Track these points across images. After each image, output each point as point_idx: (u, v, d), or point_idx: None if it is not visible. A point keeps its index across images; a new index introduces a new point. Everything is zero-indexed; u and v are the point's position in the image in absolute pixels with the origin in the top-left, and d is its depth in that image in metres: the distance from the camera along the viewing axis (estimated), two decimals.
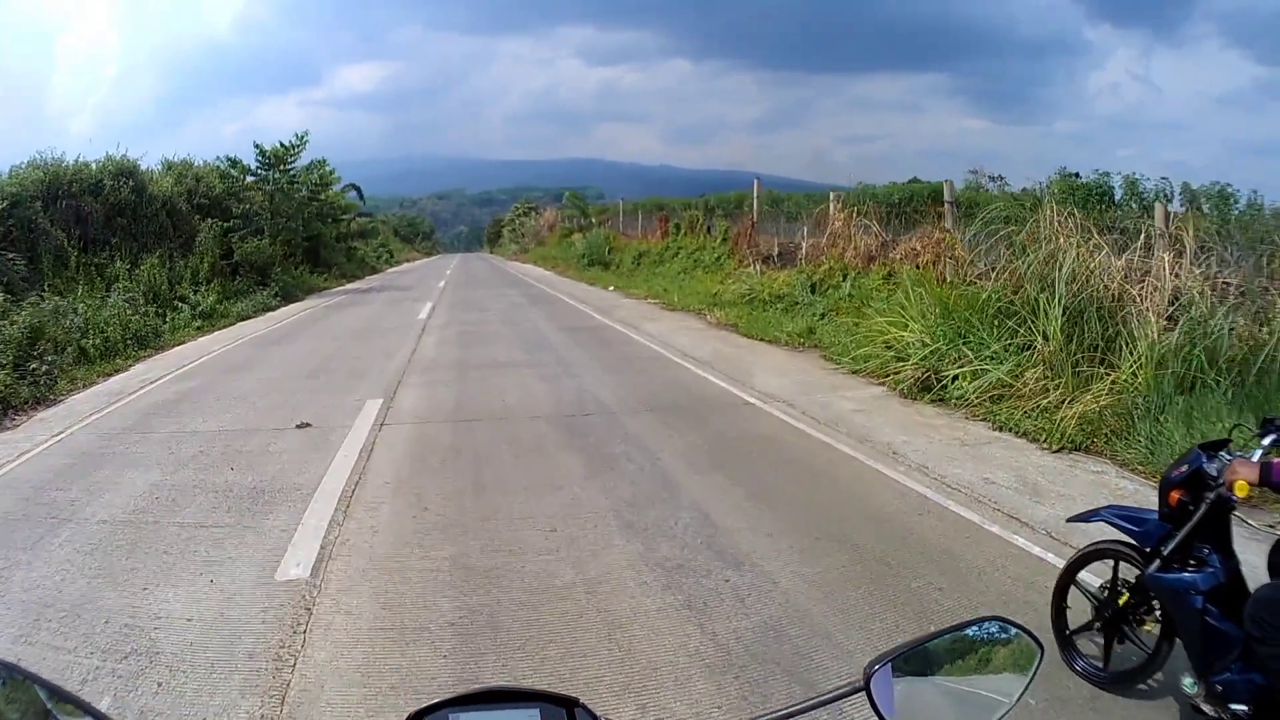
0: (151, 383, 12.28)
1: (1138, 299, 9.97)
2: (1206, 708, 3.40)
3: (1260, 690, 3.22)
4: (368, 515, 6.49)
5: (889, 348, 11.97)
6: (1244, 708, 3.24)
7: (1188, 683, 3.48)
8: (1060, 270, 10.32)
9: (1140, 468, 7.57)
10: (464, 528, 6.18)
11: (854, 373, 12.20)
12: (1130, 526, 3.93)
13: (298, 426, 9.18)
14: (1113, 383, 8.99)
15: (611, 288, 27.89)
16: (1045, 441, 8.60)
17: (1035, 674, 1.36)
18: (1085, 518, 4.29)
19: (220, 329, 19.03)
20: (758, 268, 20.36)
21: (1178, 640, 3.67)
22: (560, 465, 7.79)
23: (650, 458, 7.94)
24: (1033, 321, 10.42)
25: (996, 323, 11.00)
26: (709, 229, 27.09)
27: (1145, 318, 9.57)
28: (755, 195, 22.85)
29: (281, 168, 33.82)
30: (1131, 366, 9.05)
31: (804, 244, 19.52)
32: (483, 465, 7.81)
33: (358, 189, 47.42)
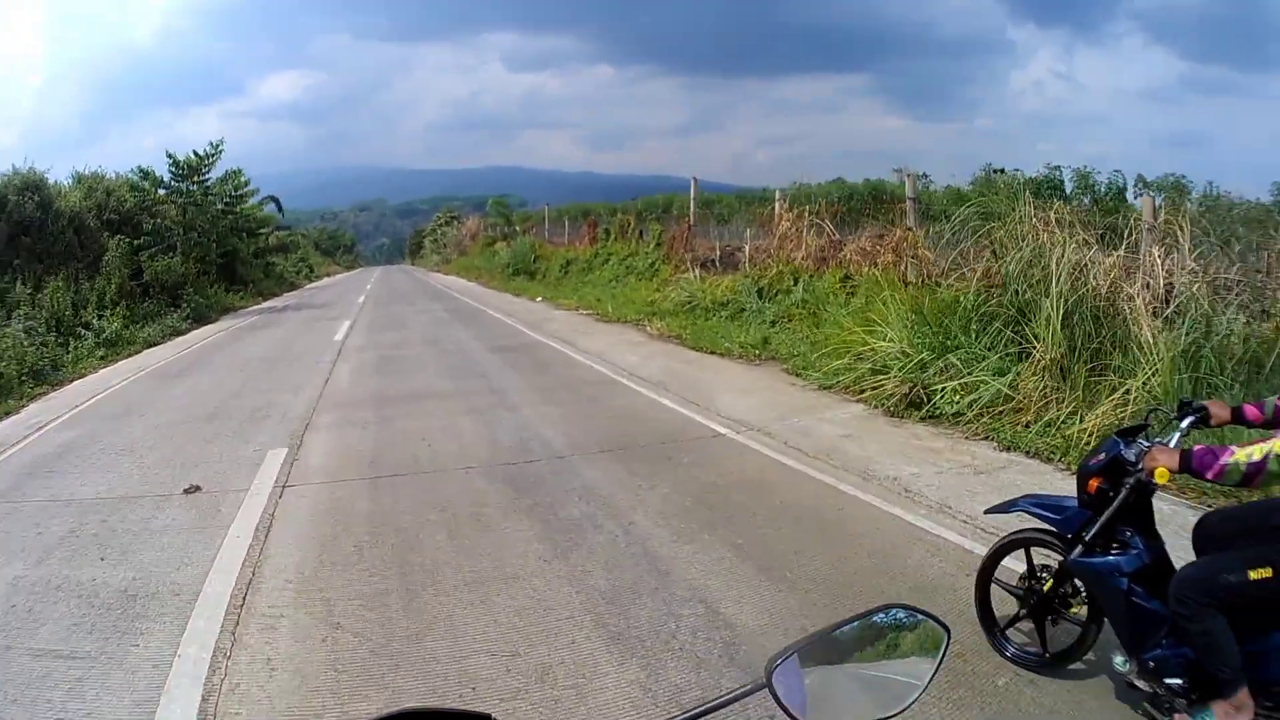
0: (40, 429, 10.30)
1: (1134, 298, 8.82)
2: (1141, 683, 3.36)
3: (1193, 664, 3.18)
4: (262, 639, 4.57)
5: (860, 358, 10.51)
6: (1179, 681, 3.20)
7: (1119, 661, 3.48)
8: (1055, 268, 9.11)
9: (1170, 485, 6.26)
10: (392, 657, 4.32)
11: (825, 388, 10.65)
12: (1050, 514, 3.82)
13: (185, 491, 7.20)
14: (1126, 391, 7.74)
15: (539, 298, 25.93)
16: (1062, 461, 7.34)
17: (944, 656, 1.37)
18: (1004, 508, 4.11)
19: (125, 358, 16.86)
20: (696, 273, 18.70)
21: (1107, 621, 3.61)
22: (509, 542, 5.87)
23: (621, 522, 6.15)
24: (1024, 326, 9.25)
25: (978, 328, 9.77)
26: (640, 234, 25.34)
27: (1139, 317, 8.49)
28: (691, 196, 21.16)
29: (195, 179, 31.36)
30: (1147, 373, 7.83)
31: (747, 246, 17.98)
32: (410, 547, 5.85)
33: (276, 201, 43.65)
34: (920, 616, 1.41)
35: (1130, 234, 9.39)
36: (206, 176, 32.09)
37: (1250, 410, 3.62)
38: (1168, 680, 3.24)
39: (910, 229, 13.11)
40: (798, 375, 11.49)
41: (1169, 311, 8.37)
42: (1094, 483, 3.55)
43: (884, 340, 10.46)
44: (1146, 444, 3.41)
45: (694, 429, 8.89)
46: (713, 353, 13.63)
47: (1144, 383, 7.73)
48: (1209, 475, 3.03)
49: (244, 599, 5.10)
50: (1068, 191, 15.43)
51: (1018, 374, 8.84)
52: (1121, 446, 3.48)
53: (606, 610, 4.76)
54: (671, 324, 16.26)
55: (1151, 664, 3.29)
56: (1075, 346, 8.64)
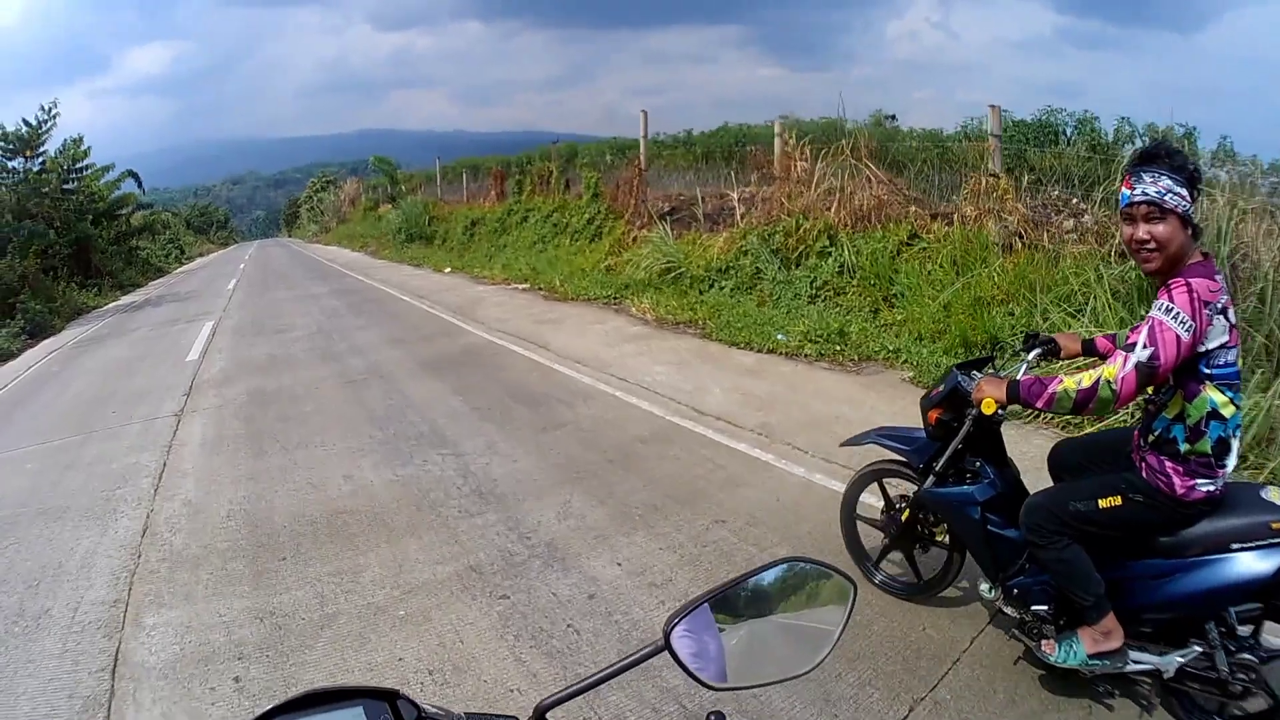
0: None
1: None
2: (1008, 610, 3.04)
3: (1058, 591, 2.86)
4: None
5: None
6: (1044, 608, 2.90)
7: (984, 588, 3.14)
8: None
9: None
10: None
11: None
12: (900, 445, 3.47)
13: None
14: None
15: (448, 269, 19.60)
16: None
17: (853, 609, 1.20)
18: (856, 441, 3.68)
19: None
20: (667, 230, 13.09)
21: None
22: None
23: None
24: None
25: None
26: (567, 184, 19.02)
27: None
28: (642, 135, 15.09)
29: (29, 153, 23.81)
30: None
31: (734, 195, 12.57)
32: None
33: (135, 176, 33.04)
34: (825, 569, 1.24)
35: None
36: (41, 150, 24.40)
37: (1102, 342, 3.29)
38: (1034, 607, 2.92)
39: (996, 175, 9.05)
40: None
41: None
42: (934, 414, 3.18)
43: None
44: (980, 374, 3.02)
45: None
46: (769, 351, 8.32)
47: None
48: (1039, 404, 2.61)
49: None
50: (1069, 137, 11.19)
51: None
52: (960, 378, 3.09)
53: None
54: (666, 302, 10.81)
55: (1015, 591, 2.98)
56: None
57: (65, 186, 26.41)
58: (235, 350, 11.18)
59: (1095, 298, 6.67)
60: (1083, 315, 6.65)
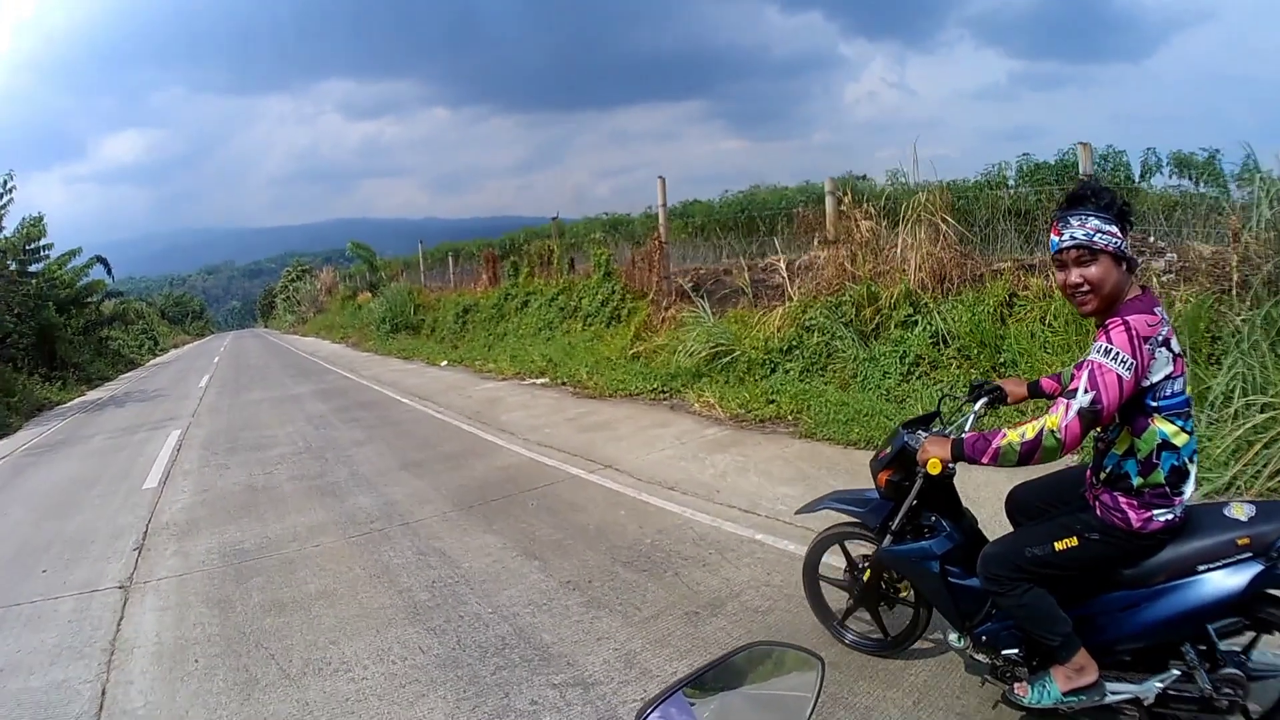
0: None
1: None
2: (979, 657, 2.95)
3: (1025, 633, 2.76)
4: None
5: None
6: (1014, 651, 2.81)
7: (953, 638, 3.04)
8: None
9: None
10: None
11: None
12: (854, 508, 3.40)
13: None
14: None
15: (444, 362, 17.78)
16: None
17: (823, 682, 1.22)
18: (811, 507, 3.64)
19: None
20: (706, 308, 11.35)
21: None
22: None
23: None
24: None
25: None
26: (571, 264, 17.57)
27: None
28: (661, 203, 13.55)
29: None
30: None
31: (780, 264, 10.97)
32: None
33: (104, 262, 31.70)
34: (792, 648, 1.30)
35: None
36: None
37: (1047, 383, 3.19)
38: (1004, 651, 2.83)
39: None
40: None
41: None
42: (883, 476, 3.12)
43: None
44: (926, 434, 2.99)
45: None
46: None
47: None
48: (984, 460, 2.55)
49: None
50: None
51: None
52: (906, 438, 3.03)
53: None
54: (733, 394, 9.14)
55: (984, 637, 2.89)
56: None
57: (28, 269, 24.76)
58: (203, 475, 8.96)
59: (1240, 340, 5.81)
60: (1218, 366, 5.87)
